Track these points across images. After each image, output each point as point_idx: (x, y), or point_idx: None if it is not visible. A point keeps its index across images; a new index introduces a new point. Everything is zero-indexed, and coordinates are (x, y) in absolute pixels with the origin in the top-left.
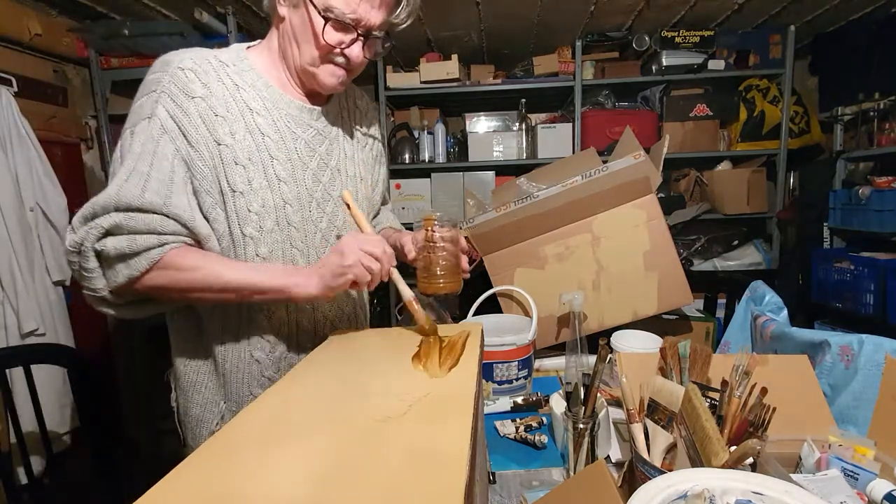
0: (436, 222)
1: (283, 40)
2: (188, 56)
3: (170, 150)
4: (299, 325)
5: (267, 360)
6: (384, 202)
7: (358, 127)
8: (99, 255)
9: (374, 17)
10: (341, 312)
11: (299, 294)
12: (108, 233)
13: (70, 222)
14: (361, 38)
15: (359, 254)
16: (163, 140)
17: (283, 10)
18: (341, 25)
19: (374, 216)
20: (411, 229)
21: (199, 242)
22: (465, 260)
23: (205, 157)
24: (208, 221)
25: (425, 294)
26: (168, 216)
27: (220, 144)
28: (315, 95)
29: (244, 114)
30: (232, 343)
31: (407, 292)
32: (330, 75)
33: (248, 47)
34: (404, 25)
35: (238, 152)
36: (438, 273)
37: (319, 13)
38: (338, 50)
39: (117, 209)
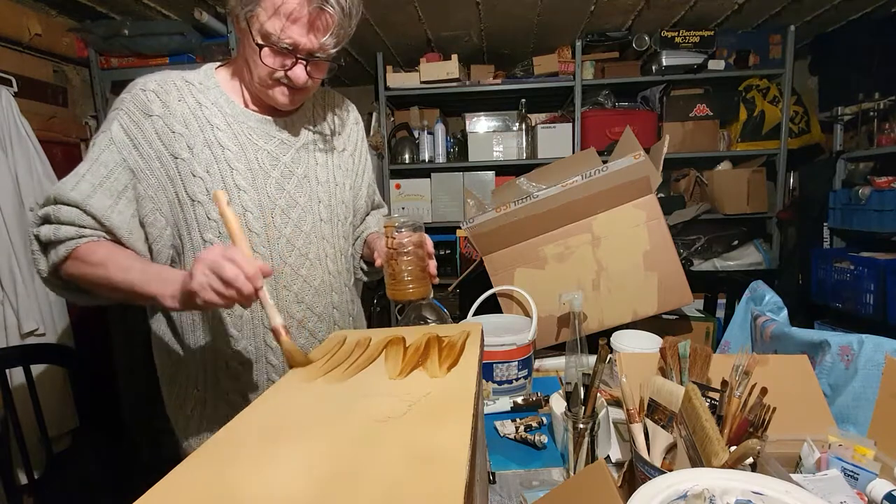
0: (398, 228)
1: (239, 59)
2: (153, 79)
3: (112, 160)
4: (263, 323)
5: (230, 351)
6: (376, 206)
7: (335, 134)
8: (38, 240)
9: (310, 41)
10: (311, 313)
11: (168, 305)
12: (43, 221)
13: None
14: (302, 62)
15: (207, 278)
16: (108, 150)
17: (238, 34)
18: (278, 50)
19: (361, 221)
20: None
21: (119, 241)
22: (432, 265)
23: (154, 168)
24: (143, 225)
25: (395, 301)
26: (85, 212)
27: (176, 158)
28: (274, 107)
29: (204, 129)
30: (195, 335)
31: (274, 319)
32: (280, 94)
33: (218, 66)
34: (333, 51)
35: (196, 165)
36: (405, 279)
37: (255, 41)
38: (281, 72)
39: (56, 201)
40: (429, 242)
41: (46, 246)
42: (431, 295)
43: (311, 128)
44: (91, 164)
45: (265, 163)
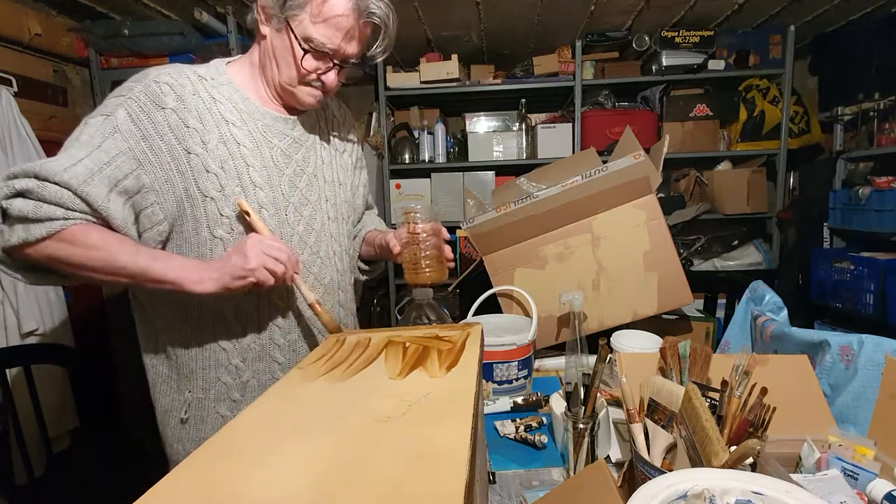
0: (417, 215)
1: (263, 57)
2: (166, 71)
3: (115, 147)
4: (272, 318)
5: (233, 349)
6: (368, 207)
7: (335, 134)
8: (4, 212)
9: (351, 48)
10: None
11: (194, 289)
12: (19, 194)
13: None
14: (337, 67)
15: (262, 257)
16: (112, 138)
17: (265, 30)
18: (319, 55)
19: (358, 220)
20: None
21: (111, 228)
22: (448, 249)
23: (163, 161)
24: (138, 217)
25: (414, 285)
26: (79, 196)
27: (189, 153)
28: (292, 106)
29: (219, 125)
30: (191, 334)
31: (309, 296)
32: (307, 95)
33: (228, 62)
34: (379, 60)
35: (209, 161)
36: (424, 265)
37: (300, 43)
38: (314, 76)
39: (36, 177)
40: (444, 230)
41: (15, 221)
42: (446, 278)
43: (316, 127)
44: (91, 149)
45: (279, 160)
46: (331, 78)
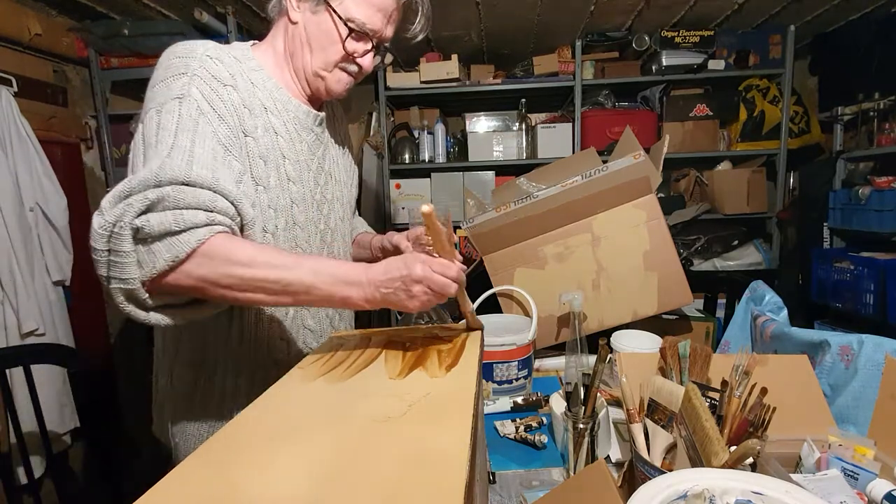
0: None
1: (292, 43)
2: (211, 45)
3: (208, 131)
4: (305, 325)
5: (285, 360)
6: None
7: (341, 134)
8: (136, 234)
9: (389, 30)
10: (335, 311)
11: (364, 307)
12: (148, 209)
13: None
14: (374, 49)
15: (429, 296)
16: (202, 120)
17: (296, 15)
18: (360, 35)
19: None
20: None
21: (241, 232)
22: (456, 252)
23: (239, 144)
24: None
25: None
26: (218, 192)
27: (247, 136)
28: (314, 100)
29: (261, 112)
30: (250, 350)
31: (468, 305)
32: (337, 82)
33: (252, 45)
34: (417, 39)
35: (261, 147)
36: None
37: (345, 23)
38: (351, 58)
39: (159, 185)
40: (454, 234)
41: (151, 239)
42: None
43: (330, 126)
44: (191, 134)
45: (306, 156)
46: (367, 61)
